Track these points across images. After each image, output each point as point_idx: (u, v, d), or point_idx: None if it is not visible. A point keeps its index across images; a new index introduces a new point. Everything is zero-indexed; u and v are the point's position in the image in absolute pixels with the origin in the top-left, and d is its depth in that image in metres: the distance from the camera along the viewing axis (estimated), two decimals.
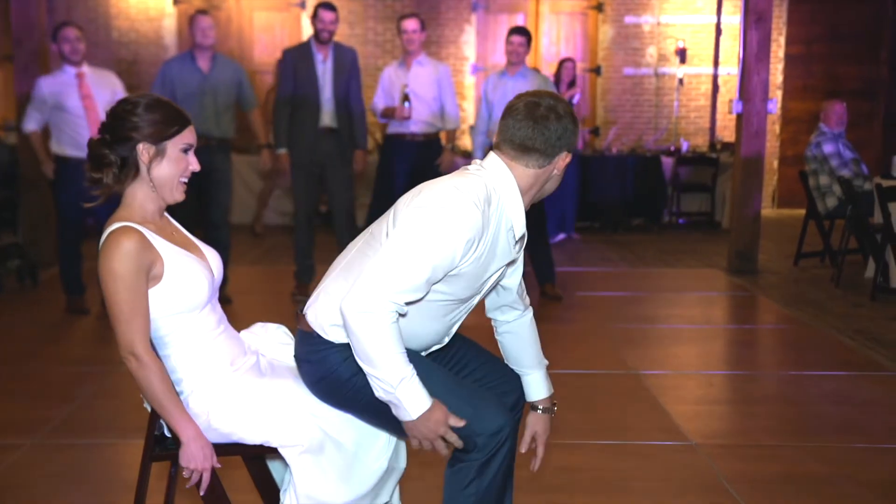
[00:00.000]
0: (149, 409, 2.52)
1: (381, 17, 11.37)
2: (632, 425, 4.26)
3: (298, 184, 6.54)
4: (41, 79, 6.20)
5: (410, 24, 6.80)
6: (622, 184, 10.34)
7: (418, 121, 6.86)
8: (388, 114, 6.83)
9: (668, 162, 10.58)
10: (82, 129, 5.96)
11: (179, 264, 2.43)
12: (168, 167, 2.45)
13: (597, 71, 11.95)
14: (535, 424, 2.74)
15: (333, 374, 2.43)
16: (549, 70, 11.13)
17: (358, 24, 11.62)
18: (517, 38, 6.64)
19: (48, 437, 4.06)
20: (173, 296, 2.41)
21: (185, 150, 2.48)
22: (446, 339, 2.60)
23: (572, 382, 4.64)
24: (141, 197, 2.46)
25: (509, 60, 6.72)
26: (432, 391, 2.34)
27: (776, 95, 11.71)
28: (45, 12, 7.82)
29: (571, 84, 9.47)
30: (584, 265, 8.21)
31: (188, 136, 2.48)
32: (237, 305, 6.30)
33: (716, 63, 11.93)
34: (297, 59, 6.45)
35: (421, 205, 2.35)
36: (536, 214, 6.82)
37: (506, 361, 2.76)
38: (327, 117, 6.44)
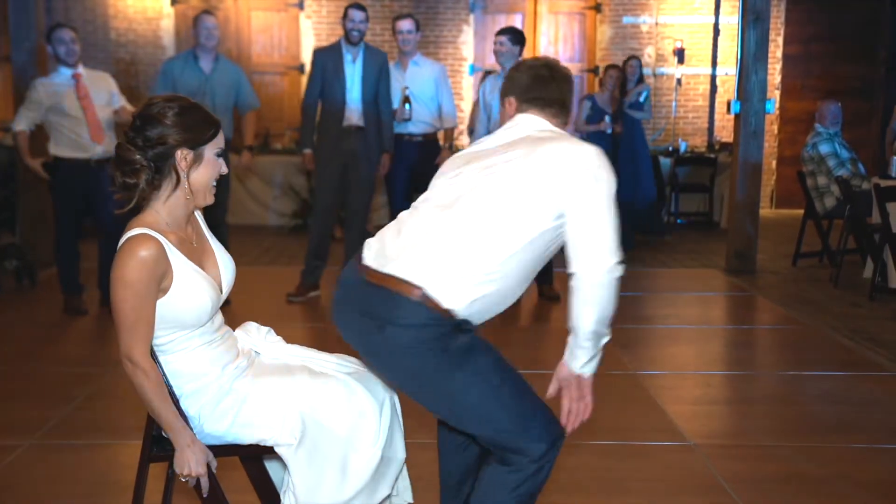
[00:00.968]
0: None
1: (378, 18, 11.36)
2: (630, 425, 4.26)
3: (321, 179, 6.56)
4: (38, 81, 6.19)
5: (405, 25, 6.80)
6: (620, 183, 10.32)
7: (417, 121, 6.86)
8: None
9: (666, 162, 10.58)
10: (80, 131, 5.96)
11: (188, 282, 2.41)
12: (205, 172, 2.44)
13: (594, 71, 11.94)
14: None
15: (447, 339, 2.38)
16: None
17: None
18: (499, 38, 6.61)
19: (46, 437, 4.06)
20: (175, 312, 2.41)
21: (219, 154, 2.47)
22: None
23: None
24: (173, 202, 2.43)
25: (499, 62, 6.74)
26: (508, 393, 2.44)
27: (774, 95, 11.72)
28: (42, 13, 7.81)
29: (640, 81, 9.49)
30: None
31: (221, 139, 2.47)
32: (235, 306, 6.29)
33: (714, 63, 11.94)
34: (326, 59, 6.48)
35: (591, 166, 2.46)
36: None
37: None
38: (354, 116, 6.46)
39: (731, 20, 11.72)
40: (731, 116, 8.43)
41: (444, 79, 6.97)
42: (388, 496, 2.59)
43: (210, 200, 2.50)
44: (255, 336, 2.76)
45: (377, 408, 2.52)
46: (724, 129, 11.76)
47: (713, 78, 11.97)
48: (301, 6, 11.63)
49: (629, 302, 6.86)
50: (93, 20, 11.08)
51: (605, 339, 2.51)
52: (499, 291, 2.43)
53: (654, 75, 11.89)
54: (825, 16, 11.98)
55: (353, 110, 6.45)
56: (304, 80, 8.47)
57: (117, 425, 4.19)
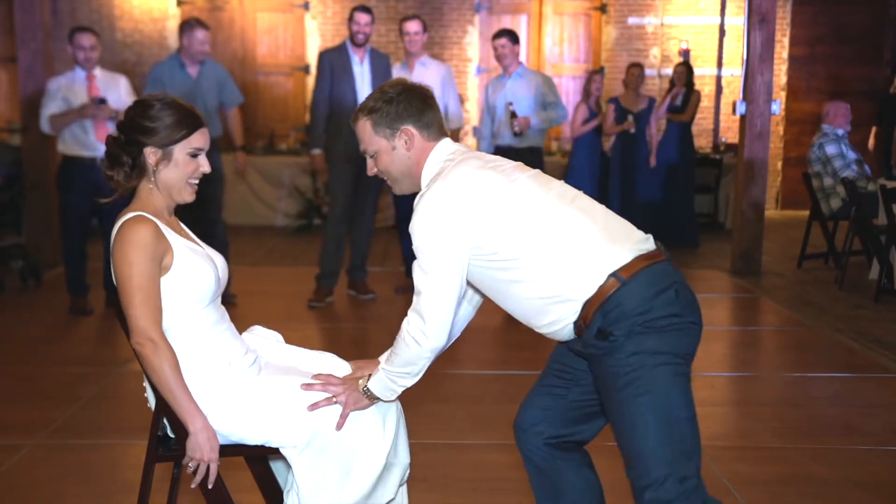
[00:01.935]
0: (152, 408, 2.53)
1: (383, 19, 11.36)
2: None
3: (336, 181, 6.56)
4: (52, 78, 6.32)
5: (412, 26, 6.80)
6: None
7: None
8: None
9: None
10: (89, 129, 5.99)
11: (188, 257, 2.46)
12: (174, 171, 2.48)
13: (600, 72, 11.92)
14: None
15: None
16: (550, 71, 11.14)
17: None
18: (499, 41, 6.70)
19: (51, 437, 4.07)
20: (180, 287, 2.43)
21: (194, 154, 2.50)
22: None
23: None
24: (151, 194, 2.50)
25: (500, 64, 6.77)
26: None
27: (780, 97, 11.70)
28: (48, 13, 7.83)
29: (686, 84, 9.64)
30: None
31: (197, 139, 2.50)
32: (244, 306, 6.31)
33: (719, 64, 11.93)
34: (334, 61, 6.49)
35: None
36: None
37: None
38: None
39: (736, 21, 11.69)
40: (737, 117, 8.42)
41: (450, 80, 6.98)
42: (391, 500, 2.59)
43: (188, 198, 2.54)
44: (263, 339, 2.76)
45: (383, 413, 2.53)
46: (730, 131, 11.75)
47: (718, 79, 11.96)
48: (306, 7, 11.63)
49: None
50: (98, 21, 11.10)
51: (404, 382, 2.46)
52: None
53: (660, 76, 11.88)
54: (831, 17, 11.96)
55: None
56: (310, 80, 8.48)
57: (122, 425, 4.19)
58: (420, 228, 2.33)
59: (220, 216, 6.52)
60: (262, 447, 2.51)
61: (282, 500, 2.78)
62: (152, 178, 2.48)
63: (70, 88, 6.09)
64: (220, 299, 2.60)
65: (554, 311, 2.32)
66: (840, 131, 7.98)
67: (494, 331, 5.84)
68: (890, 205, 6.71)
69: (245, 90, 8.88)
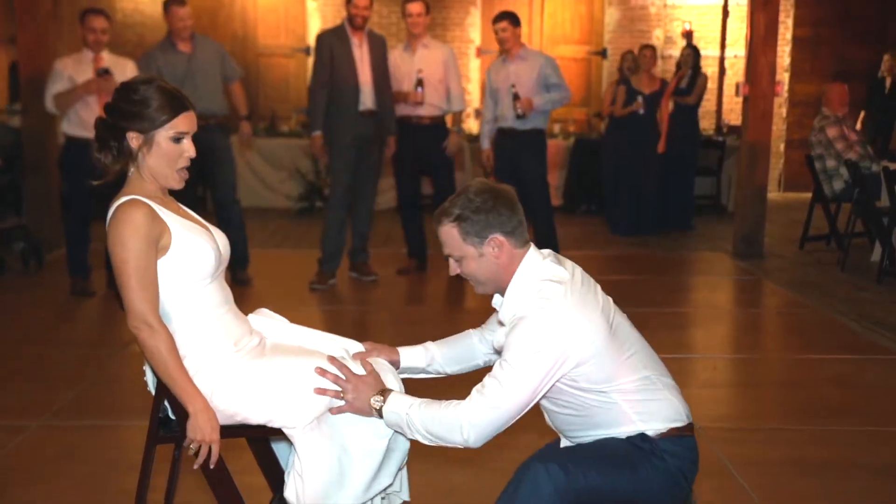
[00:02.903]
0: (153, 392, 2.53)
1: (385, 1, 11.32)
2: None
3: (338, 163, 6.54)
4: (58, 58, 6.33)
5: (415, 8, 6.77)
6: None
7: (426, 104, 6.85)
8: (400, 98, 6.82)
9: None
10: (90, 111, 5.97)
11: (186, 236, 2.44)
12: (158, 156, 2.45)
13: (602, 54, 11.90)
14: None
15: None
16: (552, 52, 11.10)
17: None
18: (500, 24, 6.66)
19: (54, 418, 4.07)
20: (180, 267, 2.42)
21: (178, 139, 2.46)
22: None
23: None
24: (142, 177, 2.47)
25: (502, 48, 6.73)
26: None
27: (783, 78, 11.66)
28: None
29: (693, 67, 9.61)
30: (587, 248, 8.20)
31: (180, 124, 2.46)
32: (247, 288, 6.32)
33: (723, 45, 11.87)
34: (333, 43, 6.46)
35: None
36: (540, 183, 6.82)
37: (452, 360, 2.79)
38: (368, 100, 6.48)
39: (740, 2, 11.63)
40: (740, 99, 8.39)
41: (452, 62, 6.95)
42: (389, 485, 2.58)
43: (175, 185, 2.51)
44: (269, 320, 2.75)
45: None
46: (733, 112, 11.70)
47: (722, 60, 11.90)
48: None
49: (636, 285, 6.85)
50: (98, 2, 11.05)
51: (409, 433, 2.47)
52: None
53: (662, 57, 11.82)
54: None
55: (367, 94, 6.47)
56: (310, 62, 8.43)
57: (125, 407, 4.21)
58: (519, 349, 2.35)
59: (234, 197, 6.55)
60: (263, 428, 2.50)
61: (283, 481, 2.78)
62: (138, 164, 2.46)
63: (76, 68, 6.09)
64: (223, 281, 2.59)
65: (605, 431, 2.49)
66: (840, 114, 7.95)
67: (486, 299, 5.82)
68: (893, 186, 6.70)
69: (246, 71, 8.83)
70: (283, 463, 2.84)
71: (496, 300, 2.59)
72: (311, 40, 11.36)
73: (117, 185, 2.54)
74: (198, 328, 2.47)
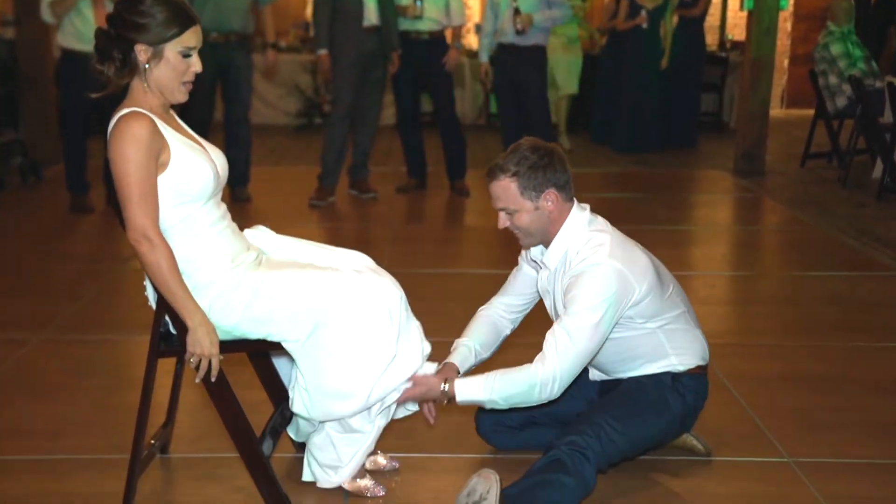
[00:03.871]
0: (153, 306, 2.54)
1: None
2: None
3: (342, 80, 6.46)
4: None
5: None
6: None
7: (425, 18, 6.73)
8: (399, 12, 6.70)
9: None
10: (87, 22, 5.83)
11: (185, 154, 2.43)
12: (166, 70, 2.42)
13: None
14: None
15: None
16: None
17: None
18: None
19: (56, 332, 4.10)
20: (178, 184, 2.41)
21: (186, 55, 2.43)
22: None
23: None
24: (144, 91, 2.44)
25: None
26: None
27: None
28: None
29: None
30: (588, 166, 8.16)
31: (188, 38, 2.42)
32: (248, 205, 6.31)
33: None
34: None
35: None
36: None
37: (486, 346, 2.92)
38: (372, 16, 6.38)
39: None
40: (744, 13, 8.25)
41: None
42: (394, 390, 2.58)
43: (181, 99, 2.48)
44: (266, 234, 2.74)
45: (388, 304, 2.50)
46: (737, 28, 11.52)
47: None
48: None
49: (635, 203, 6.84)
50: None
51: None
52: None
53: None
54: None
55: (371, 10, 6.36)
56: None
57: (125, 322, 4.23)
58: (588, 297, 2.56)
59: (245, 117, 6.48)
60: (263, 342, 2.51)
61: (285, 396, 2.81)
62: (144, 76, 2.42)
63: None
64: (220, 199, 2.57)
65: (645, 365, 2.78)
66: (846, 28, 7.82)
67: (492, 231, 5.82)
68: None
69: None
70: (284, 379, 2.86)
71: (535, 250, 2.80)
72: None
73: (116, 98, 2.51)
74: (195, 245, 2.46)
